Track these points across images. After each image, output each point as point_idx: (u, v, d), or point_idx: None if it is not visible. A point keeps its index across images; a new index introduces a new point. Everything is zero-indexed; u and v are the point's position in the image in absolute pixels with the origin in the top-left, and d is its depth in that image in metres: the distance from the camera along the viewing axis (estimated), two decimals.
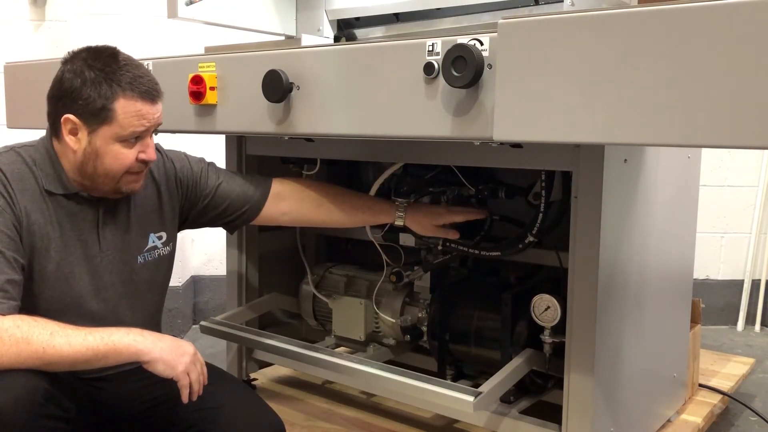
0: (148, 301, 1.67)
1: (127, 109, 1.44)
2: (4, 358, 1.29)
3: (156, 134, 1.56)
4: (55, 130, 1.50)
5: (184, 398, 1.43)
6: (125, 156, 1.48)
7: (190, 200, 1.74)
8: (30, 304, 1.45)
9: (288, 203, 1.84)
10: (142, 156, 1.50)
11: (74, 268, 1.53)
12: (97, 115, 1.44)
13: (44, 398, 1.31)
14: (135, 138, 1.48)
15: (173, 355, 1.41)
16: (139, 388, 1.60)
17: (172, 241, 1.70)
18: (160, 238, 1.67)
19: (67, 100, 1.45)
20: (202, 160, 1.80)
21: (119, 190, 1.53)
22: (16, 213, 1.44)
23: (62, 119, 1.46)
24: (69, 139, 1.47)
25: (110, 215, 1.58)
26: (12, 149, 1.53)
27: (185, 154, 1.78)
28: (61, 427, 1.36)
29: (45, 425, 1.32)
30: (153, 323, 1.70)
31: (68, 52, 1.51)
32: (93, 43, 1.52)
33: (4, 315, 1.33)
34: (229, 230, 1.91)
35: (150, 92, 1.48)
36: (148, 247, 1.65)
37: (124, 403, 1.59)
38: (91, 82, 1.43)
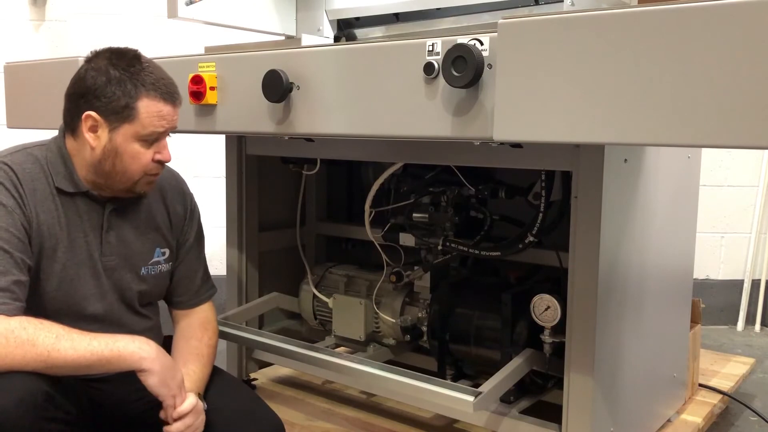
0: (146, 309, 1.68)
1: (149, 109, 1.46)
2: (7, 359, 1.29)
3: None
4: (72, 127, 1.51)
5: (162, 415, 1.44)
6: (143, 155, 1.49)
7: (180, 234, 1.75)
8: (35, 304, 1.45)
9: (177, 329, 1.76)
10: (158, 156, 1.51)
11: (79, 270, 1.53)
12: (119, 113, 1.45)
13: (45, 400, 1.31)
14: (153, 138, 1.49)
15: (168, 374, 1.42)
16: (140, 390, 1.58)
17: (172, 260, 1.71)
18: (163, 254, 1.68)
19: (90, 97, 1.46)
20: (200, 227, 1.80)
21: (133, 190, 1.54)
22: (26, 214, 1.45)
23: (83, 116, 1.46)
24: (88, 136, 1.47)
25: (117, 221, 1.59)
26: (24, 149, 1.54)
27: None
28: (62, 429, 1.36)
29: (46, 427, 1.32)
30: (155, 330, 1.71)
31: (91, 52, 1.53)
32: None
33: (10, 316, 1.33)
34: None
35: (171, 94, 1.50)
36: (152, 260, 1.66)
37: (124, 404, 1.59)
38: (116, 80, 1.45)
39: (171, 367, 1.44)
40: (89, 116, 1.46)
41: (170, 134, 1.55)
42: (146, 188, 1.56)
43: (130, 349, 1.38)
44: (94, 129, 1.47)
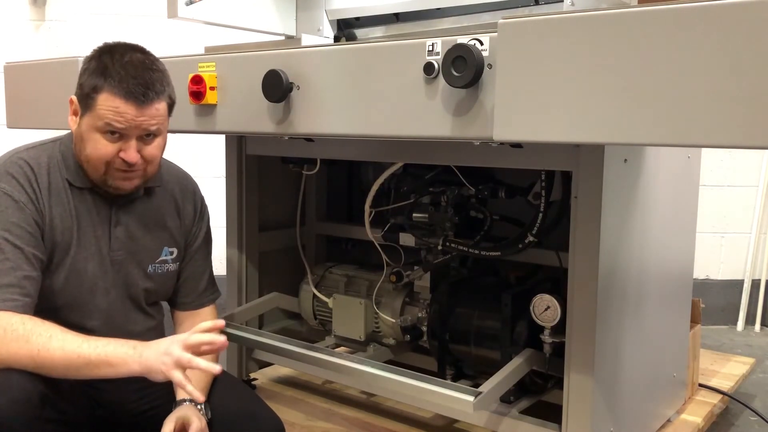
0: (151, 308, 1.69)
1: (106, 103, 1.45)
2: (2, 349, 1.31)
3: (150, 138, 1.51)
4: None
5: (188, 393, 1.35)
6: (103, 147, 1.47)
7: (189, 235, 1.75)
8: (46, 298, 1.47)
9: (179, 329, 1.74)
10: (122, 155, 1.48)
11: (87, 264, 1.55)
12: (84, 102, 1.49)
13: (40, 401, 1.32)
14: (114, 133, 1.46)
15: (157, 360, 1.34)
16: (139, 389, 1.60)
17: (180, 260, 1.72)
18: (171, 253, 1.69)
19: (78, 82, 1.51)
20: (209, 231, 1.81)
21: (107, 183, 1.52)
22: (39, 209, 1.48)
23: (69, 99, 1.53)
24: (71, 119, 1.53)
25: (125, 217, 1.60)
26: (42, 144, 1.57)
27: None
28: (57, 430, 1.36)
29: (41, 428, 1.32)
30: (158, 330, 1.71)
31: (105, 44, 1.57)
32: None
33: (15, 312, 1.35)
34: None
35: (134, 94, 1.44)
36: (160, 259, 1.66)
37: (123, 403, 1.59)
38: (91, 70, 1.48)
39: (157, 353, 1.34)
40: (72, 100, 1.52)
41: (150, 136, 1.50)
42: (119, 184, 1.52)
43: (118, 354, 1.34)
44: (75, 113, 1.52)
